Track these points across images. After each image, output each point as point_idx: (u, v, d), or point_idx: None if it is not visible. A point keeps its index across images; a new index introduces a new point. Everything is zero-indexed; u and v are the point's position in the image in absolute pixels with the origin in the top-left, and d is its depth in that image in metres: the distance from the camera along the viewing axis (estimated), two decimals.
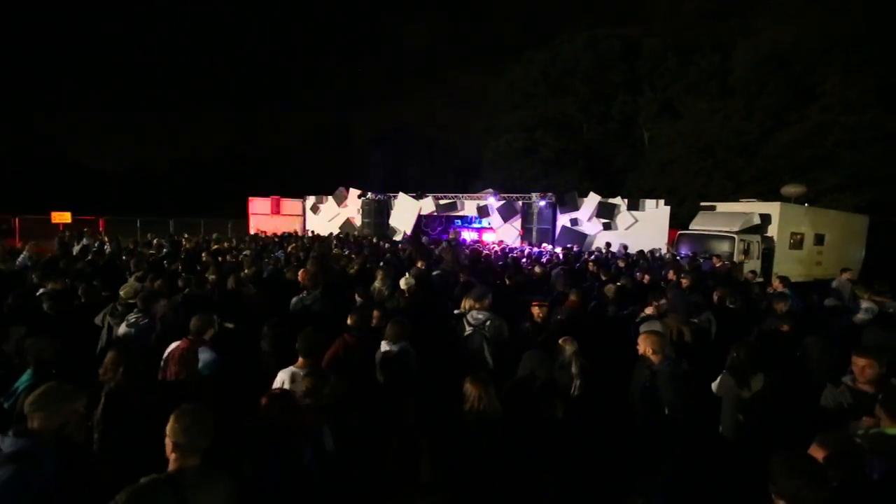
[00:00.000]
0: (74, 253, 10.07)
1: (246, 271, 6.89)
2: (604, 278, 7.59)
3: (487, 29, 78.64)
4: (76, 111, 61.75)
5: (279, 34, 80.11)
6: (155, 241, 12.52)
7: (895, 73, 21.45)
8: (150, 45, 68.38)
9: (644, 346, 3.59)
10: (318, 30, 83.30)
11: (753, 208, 13.83)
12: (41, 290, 5.19)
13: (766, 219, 13.43)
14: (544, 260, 11.17)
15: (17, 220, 18.90)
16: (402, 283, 5.78)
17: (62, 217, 18.40)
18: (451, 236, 17.07)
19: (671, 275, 8.00)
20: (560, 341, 3.80)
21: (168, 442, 2.02)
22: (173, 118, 67.09)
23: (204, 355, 3.35)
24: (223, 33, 74.68)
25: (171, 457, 2.00)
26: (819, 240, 14.66)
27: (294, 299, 5.22)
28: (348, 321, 4.04)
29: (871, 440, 2.48)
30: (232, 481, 2.07)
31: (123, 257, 9.23)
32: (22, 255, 8.78)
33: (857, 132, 22.06)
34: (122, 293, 4.67)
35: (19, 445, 2.08)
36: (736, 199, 16.19)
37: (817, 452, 2.23)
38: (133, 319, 4.03)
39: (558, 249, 13.56)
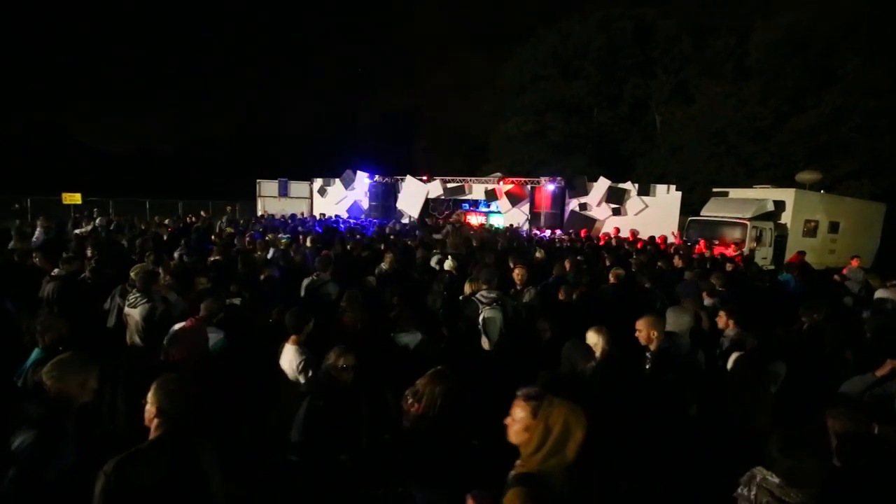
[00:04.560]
0: (80, 232, 10.13)
1: (259, 253, 6.92)
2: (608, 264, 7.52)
3: (498, 8, 77.00)
4: (88, 93, 61.76)
5: (287, 15, 79.18)
6: (167, 220, 12.59)
7: None
8: (161, 27, 67.95)
9: (646, 330, 3.51)
10: (327, 11, 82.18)
11: (767, 195, 13.58)
12: (55, 272, 5.23)
13: (779, 206, 13.19)
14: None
15: (28, 200, 19.13)
16: (447, 265, 6.04)
17: (73, 198, 18.57)
18: (454, 219, 17.00)
19: (676, 261, 7.94)
20: (592, 331, 3.59)
21: (150, 409, 2.01)
22: (183, 101, 66.97)
23: (212, 334, 3.37)
24: (232, 15, 73.92)
25: (154, 423, 1.99)
26: (833, 227, 14.40)
27: (305, 281, 5.25)
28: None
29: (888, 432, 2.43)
30: (215, 449, 2.06)
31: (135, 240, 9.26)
32: (37, 232, 8.87)
33: (878, 117, 21.44)
34: (132, 274, 4.68)
35: (42, 412, 2.18)
36: (748, 185, 15.91)
37: (825, 424, 2.25)
38: (132, 299, 4.04)
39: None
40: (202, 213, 14.47)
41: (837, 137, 22.77)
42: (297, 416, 2.82)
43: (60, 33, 59.16)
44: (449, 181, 18.47)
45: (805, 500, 1.82)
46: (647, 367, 3.48)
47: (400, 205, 18.87)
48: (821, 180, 16.82)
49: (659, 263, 7.57)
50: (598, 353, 3.45)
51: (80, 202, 18.60)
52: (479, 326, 4.34)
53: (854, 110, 22.02)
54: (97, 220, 12.02)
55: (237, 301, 4.38)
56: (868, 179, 21.45)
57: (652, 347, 3.48)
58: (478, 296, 4.49)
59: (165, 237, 9.07)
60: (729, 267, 7.85)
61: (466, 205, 18.98)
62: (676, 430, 3.31)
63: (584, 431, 1.76)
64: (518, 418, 1.90)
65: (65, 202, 18.35)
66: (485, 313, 4.33)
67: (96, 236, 9.71)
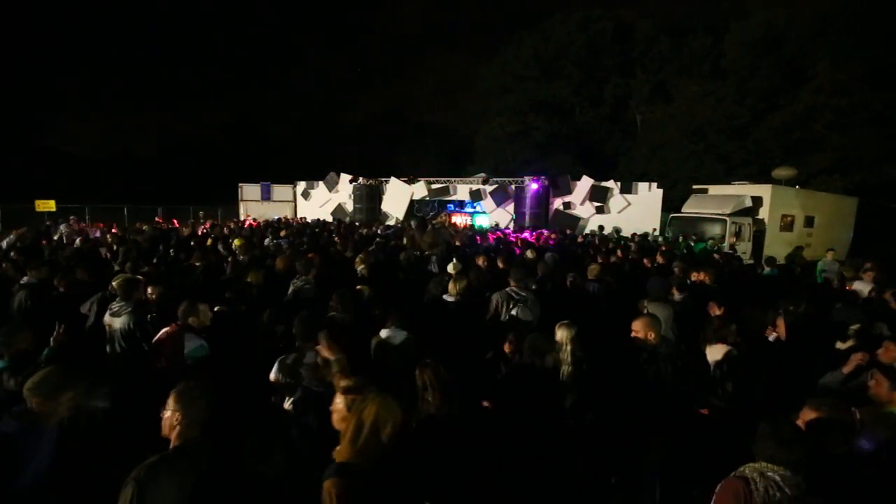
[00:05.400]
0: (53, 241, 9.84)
1: (241, 257, 6.79)
2: (600, 261, 7.58)
3: (480, 10, 77.31)
4: (61, 98, 60.20)
5: (268, 19, 78.33)
6: (145, 227, 12.32)
7: (886, 54, 21.40)
8: (136, 31, 66.64)
9: (644, 331, 3.52)
10: (308, 14, 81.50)
11: (745, 191, 13.89)
12: (23, 280, 5.07)
13: (757, 201, 13.51)
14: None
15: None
16: (450, 268, 5.92)
17: (47, 205, 17.99)
18: (437, 221, 16.95)
19: (658, 257, 8.05)
20: (556, 326, 3.72)
21: (171, 417, 2.02)
22: (160, 104, 65.69)
23: (189, 342, 3.27)
24: (211, 18, 72.86)
25: (175, 431, 2.00)
26: (809, 222, 14.79)
27: (290, 286, 5.18)
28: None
29: (867, 414, 2.49)
30: (235, 455, 2.09)
31: (115, 247, 9.02)
32: (7, 240, 8.61)
33: (847, 115, 22.11)
34: (114, 283, 4.53)
35: (14, 427, 2.12)
36: (727, 182, 16.24)
37: (808, 414, 2.27)
38: (116, 308, 3.93)
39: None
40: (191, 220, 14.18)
41: (811, 134, 23.41)
42: (289, 428, 2.76)
43: (35, 36, 57.56)
44: (433, 182, 18.49)
45: (808, 486, 1.89)
46: (645, 362, 3.51)
47: (385, 207, 18.81)
48: (796, 176, 17.28)
49: (645, 260, 7.68)
50: (564, 347, 3.59)
51: (54, 209, 18.05)
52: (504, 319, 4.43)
53: (826, 108, 22.66)
54: (62, 228, 11.65)
55: (225, 308, 4.28)
56: (840, 175, 22.08)
57: (650, 343, 3.51)
58: (510, 290, 4.59)
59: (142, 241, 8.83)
60: (717, 257, 8.03)
61: (451, 205, 19.01)
62: (678, 421, 3.37)
63: (395, 426, 1.87)
64: (337, 409, 2.11)
65: (38, 209, 17.78)
66: (520, 312, 4.44)
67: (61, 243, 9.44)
